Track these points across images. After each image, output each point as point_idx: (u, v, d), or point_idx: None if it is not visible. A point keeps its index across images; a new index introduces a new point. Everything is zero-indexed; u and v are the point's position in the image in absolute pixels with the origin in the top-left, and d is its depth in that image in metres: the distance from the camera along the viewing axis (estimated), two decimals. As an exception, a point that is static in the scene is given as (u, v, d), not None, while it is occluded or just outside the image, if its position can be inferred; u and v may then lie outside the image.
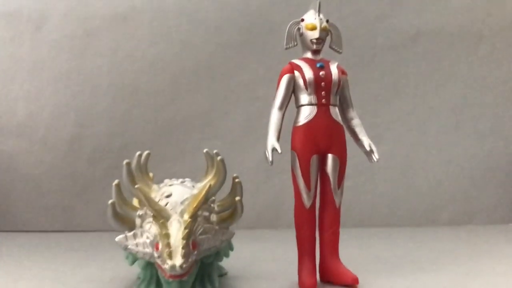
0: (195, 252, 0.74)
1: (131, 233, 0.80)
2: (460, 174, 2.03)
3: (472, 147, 2.04)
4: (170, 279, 0.73)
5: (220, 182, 0.84)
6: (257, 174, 1.95)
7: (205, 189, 0.78)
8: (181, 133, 2.00)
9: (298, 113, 0.95)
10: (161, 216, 0.75)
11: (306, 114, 0.93)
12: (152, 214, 0.76)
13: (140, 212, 0.82)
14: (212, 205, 0.86)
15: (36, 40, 2.02)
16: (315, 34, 0.95)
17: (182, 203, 0.80)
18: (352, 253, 1.20)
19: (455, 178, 2.02)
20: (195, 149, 1.88)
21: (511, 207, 2.01)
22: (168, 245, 0.71)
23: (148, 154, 0.93)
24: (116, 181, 0.81)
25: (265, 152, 0.90)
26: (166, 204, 0.80)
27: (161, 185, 0.90)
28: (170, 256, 0.71)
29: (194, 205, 0.76)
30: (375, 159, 0.96)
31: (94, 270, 1.09)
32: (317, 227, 0.96)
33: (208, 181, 0.86)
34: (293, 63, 0.96)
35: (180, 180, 0.92)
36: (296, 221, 0.94)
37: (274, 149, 0.89)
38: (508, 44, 2.07)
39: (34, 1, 2.02)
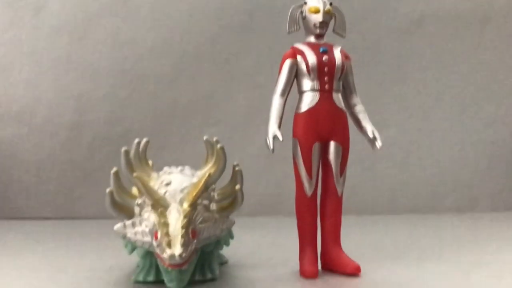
0: (195, 241, 0.73)
1: (130, 221, 0.79)
2: (464, 161, 2.01)
3: (476, 133, 2.03)
4: (170, 268, 0.72)
5: (220, 170, 0.83)
6: (258, 162, 1.94)
7: (205, 178, 0.77)
8: (182, 119, 1.99)
9: (300, 99, 0.93)
10: (160, 205, 0.74)
11: (308, 100, 0.92)
12: (151, 202, 0.75)
13: (139, 201, 0.81)
14: (212, 193, 0.85)
15: (35, 24, 1.99)
16: (318, 18, 0.93)
17: (181, 191, 0.79)
18: (354, 241, 1.20)
19: (459, 164, 2.01)
20: (196, 136, 1.87)
21: (515, 194, 2.00)
22: (167, 234, 0.70)
23: (147, 142, 0.92)
24: (114, 169, 0.80)
25: (266, 140, 0.89)
26: (165, 193, 0.79)
27: (160, 173, 0.89)
28: (169, 245, 0.70)
29: (194, 194, 0.75)
30: (378, 147, 0.94)
31: (93, 258, 1.09)
32: (319, 215, 0.95)
33: (208, 169, 0.85)
34: (296, 47, 0.94)
35: (180, 168, 0.90)
36: (298, 209, 0.93)
37: (275, 137, 0.88)
38: (514, 28, 2.04)
39: (33, -15, 2.00)
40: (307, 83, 0.92)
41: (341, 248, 0.94)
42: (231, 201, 0.84)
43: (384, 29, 2.03)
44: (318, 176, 0.93)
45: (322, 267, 0.94)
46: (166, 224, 0.71)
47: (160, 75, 2.00)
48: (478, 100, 2.04)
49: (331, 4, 0.95)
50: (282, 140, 0.88)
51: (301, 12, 0.95)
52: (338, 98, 0.93)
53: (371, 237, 1.35)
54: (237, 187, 0.83)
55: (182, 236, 0.70)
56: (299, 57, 0.93)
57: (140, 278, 0.85)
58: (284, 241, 1.19)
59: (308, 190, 0.91)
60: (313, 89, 0.92)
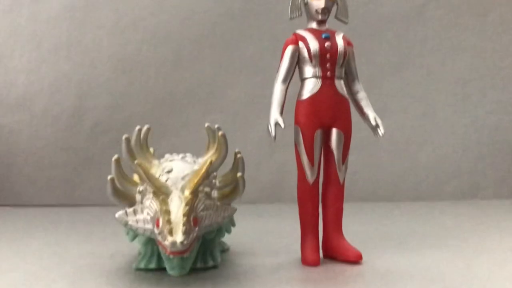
0: (196, 229, 0.73)
1: (131, 209, 0.78)
2: (467, 148, 2.01)
3: (479, 119, 2.02)
4: (171, 256, 0.72)
5: (222, 158, 0.83)
6: (260, 149, 1.94)
7: (206, 165, 0.76)
8: (183, 106, 1.98)
9: (302, 86, 0.93)
10: (161, 192, 0.74)
11: (310, 87, 0.91)
12: (152, 190, 0.75)
13: (140, 188, 0.81)
14: (213, 181, 0.84)
15: (35, 10, 1.98)
16: (320, 4, 0.92)
17: (183, 178, 0.79)
18: (356, 229, 1.20)
19: (461, 151, 2.01)
20: (197, 123, 1.86)
21: (517, 181, 2.00)
22: (168, 221, 0.70)
23: (148, 129, 0.91)
24: (115, 156, 0.79)
25: (268, 127, 0.88)
26: (167, 180, 0.79)
27: (162, 160, 0.89)
28: (170, 232, 0.69)
29: (195, 181, 0.74)
30: (380, 134, 0.94)
31: (95, 246, 1.09)
32: (321, 202, 0.94)
33: (209, 156, 0.84)
34: (298, 34, 0.93)
35: (181, 155, 0.90)
36: (299, 196, 0.93)
37: (277, 124, 0.87)
38: (518, 15, 2.03)
39: (32, -30, 1.98)
40: (309, 70, 0.92)
41: (342, 236, 0.94)
42: (233, 189, 0.84)
43: (387, 15, 2.01)
44: (320, 163, 0.93)
45: (324, 254, 0.94)
46: (167, 212, 0.71)
47: (161, 61, 1.99)
48: (481, 87, 2.03)
49: (333, -10, 0.94)
50: (284, 127, 0.87)
51: (303, -2, 0.94)
52: (340, 84, 0.93)
53: (372, 224, 1.35)
54: (239, 174, 0.83)
55: (183, 224, 0.70)
56: (301, 44, 0.92)
57: (142, 265, 0.85)
58: (286, 229, 1.19)
59: (310, 178, 0.91)
60: (315, 76, 0.91)
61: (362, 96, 0.97)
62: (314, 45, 0.90)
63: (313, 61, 0.91)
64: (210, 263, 0.86)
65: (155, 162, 0.89)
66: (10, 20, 1.98)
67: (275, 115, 0.88)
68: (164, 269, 0.76)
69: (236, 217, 0.94)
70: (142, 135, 0.89)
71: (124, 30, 1.98)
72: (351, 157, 0.98)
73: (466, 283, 0.76)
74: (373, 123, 0.94)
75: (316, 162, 0.91)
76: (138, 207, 0.78)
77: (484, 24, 2.03)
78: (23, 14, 1.97)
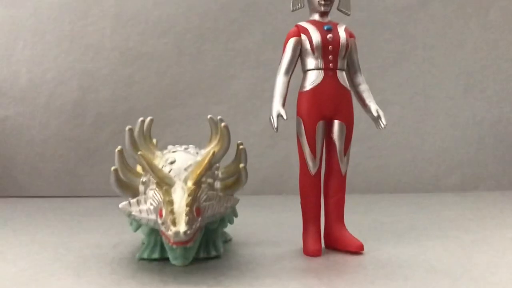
0: (199, 219, 0.74)
1: (135, 199, 0.79)
2: (468, 140, 2.01)
3: (480, 112, 2.02)
4: (174, 246, 0.72)
5: (224, 149, 0.83)
6: (262, 140, 1.94)
7: (209, 156, 0.77)
8: (185, 98, 1.99)
9: (304, 78, 0.93)
10: (164, 183, 0.74)
11: (312, 79, 0.91)
12: (155, 181, 0.75)
13: (143, 179, 0.82)
14: (216, 172, 0.85)
15: (38, 3, 1.98)
16: (323, -5, 0.92)
17: (186, 169, 0.79)
18: (358, 220, 1.20)
19: (463, 143, 2.01)
20: (200, 115, 1.87)
21: (518, 173, 2.00)
22: (172, 212, 0.70)
23: (151, 120, 0.92)
24: (118, 147, 0.80)
25: (270, 118, 0.89)
26: (170, 171, 0.79)
27: (165, 151, 0.89)
28: (174, 223, 0.70)
29: (198, 172, 0.75)
30: (382, 125, 0.94)
31: (98, 236, 1.10)
32: (323, 193, 0.95)
33: (212, 147, 0.85)
34: (300, 25, 0.93)
35: (184, 146, 0.91)
36: (301, 187, 0.94)
37: (279, 115, 0.88)
38: (521, 7, 2.02)
39: (35, -38, 1.98)
40: (311, 62, 0.92)
41: (344, 226, 0.94)
42: (235, 180, 0.85)
43: (389, 7, 2.01)
44: (322, 154, 0.93)
45: (326, 245, 0.95)
46: (171, 202, 0.71)
47: (163, 53, 1.99)
48: (483, 79, 2.03)
49: (336, -19, 0.94)
50: (286, 119, 0.88)
51: (306, -10, 0.94)
52: (342, 76, 0.93)
53: (374, 215, 1.36)
54: (241, 165, 0.83)
55: (186, 214, 0.70)
56: (303, 35, 0.92)
57: (145, 255, 0.86)
58: (288, 220, 1.20)
59: (312, 169, 0.92)
60: (317, 68, 0.91)
61: (364, 88, 0.97)
62: (316, 37, 0.91)
63: (316, 53, 0.91)
64: (213, 253, 0.87)
65: (158, 153, 0.89)
66: (13, 13, 1.98)
67: (277, 106, 0.88)
68: (167, 259, 0.77)
69: (238, 207, 0.95)
70: (145, 126, 0.90)
71: (126, 22, 1.98)
72: (353, 149, 0.98)
73: (467, 273, 0.77)
74: (375, 114, 0.94)
75: (318, 153, 0.91)
76: (141, 197, 0.79)
77: (487, 17, 2.02)
78: (26, 7, 1.97)
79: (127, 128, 0.83)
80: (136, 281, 0.74)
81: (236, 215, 1.00)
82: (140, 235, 0.92)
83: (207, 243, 0.88)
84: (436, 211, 1.43)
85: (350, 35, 0.94)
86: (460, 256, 0.88)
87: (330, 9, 0.94)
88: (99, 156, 1.92)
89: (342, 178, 0.94)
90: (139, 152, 0.79)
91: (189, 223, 0.70)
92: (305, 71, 0.93)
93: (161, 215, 0.72)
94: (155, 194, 0.76)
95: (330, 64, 0.91)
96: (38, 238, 1.09)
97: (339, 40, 0.91)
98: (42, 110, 1.96)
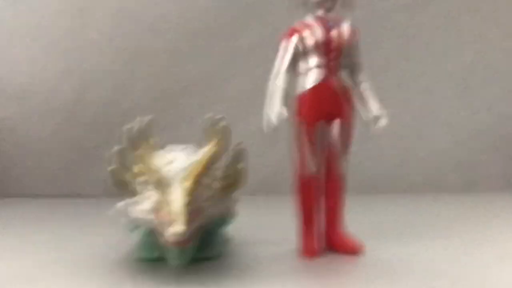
0: (197, 219, 0.73)
1: (133, 200, 0.79)
2: (468, 140, 2.00)
3: (480, 112, 2.02)
4: (172, 246, 0.72)
5: (223, 149, 0.83)
6: (261, 140, 1.93)
7: (208, 156, 0.77)
8: (184, 97, 1.98)
9: (305, 76, 0.91)
10: (162, 183, 0.74)
11: (314, 77, 0.90)
12: (153, 181, 0.75)
13: (141, 179, 0.81)
14: (214, 172, 0.84)
15: (36, 2, 1.97)
16: (326, -8, 0.91)
17: (184, 170, 0.79)
18: (357, 220, 1.20)
19: (462, 143, 2.00)
20: (198, 114, 1.85)
21: (518, 174, 2.00)
22: (169, 212, 0.70)
23: (150, 120, 0.91)
24: (116, 148, 0.79)
25: (270, 117, 0.88)
26: (168, 171, 0.79)
27: (163, 151, 0.89)
28: (172, 223, 0.70)
29: (196, 172, 0.75)
30: (383, 124, 0.94)
31: (96, 237, 1.09)
32: (322, 194, 0.94)
33: (210, 147, 0.84)
34: (303, 22, 0.92)
35: (182, 146, 0.90)
36: (300, 188, 0.93)
37: (279, 114, 0.87)
38: (521, 7, 2.02)
39: (33, -40, 1.97)
40: (313, 59, 0.90)
41: (343, 227, 0.94)
42: (234, 180, 0.84)
43: (392, 5, 2.00)
44: (322, 154, 0.93)
45: (325, 246, 0.95)
46: (168, 202, 0.71)
47: (161, 53, 1.98)
48: (483, 79, 2.02)
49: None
50: (286, 118, 0.87)
51: (309, -14, 0.93)
52: (344, 75, 0.92)
53: (373, 216, 1.35)
54: (240, 165, 0.83)
55: (184, 215, 0.70)
56: (305, 33, 0.90)
57: (143, 256, 0.86)
58: (286, 220, 1.19)
59: (311, 169, 0.91)
60: (319, 66, 0.90)
61: (365, 86, 0.95)
62: (318, 34, 0.89)
63: (317, 51, 0.90)
64: (211, 253, 0.87)
65: (156, 153, 0.89)
66: (11, 11, 1.97)
67: (277, 105, 0.88)
68: (166, 259, 0.77)
69: (237, 208, 0.95)
70: (143, 126, 0.89)
71: (125, 22, 1.98)
72: (352, 149, 0.98)
73: (466, 273, 0.76)
74: (376, 114, 0.93)
75: (317, 153, 0.91)
76: (139, 198, 0.78)
77: (488, 17, 2.02)
78: (24, 5, 1.97)
79: (125, 128, 0.82)
80: (133, 281, 0.74)
81: (234, 216, 0.99)
82: (138, 236, 0.92)
83: (206, 243, 0.87)
84: (435, 211, 1.43)
85: (353, 32, 0.93)
86: (459, 256, 0.88)
87: (334, 6, 0.92)
88: (97, 156, 1.91)
89: (341, 178, 0.94)
90: (137, 152, 0.78)
91: (187, 223, 0.70)
92: (306, 69, 0.92)
93: (159, 216, 0.72)
94: (153, 194, 0.75)
95: (332, 62, 0.90)
96: (35, 238, 1.08)
97: (342, 37, 0.90)
98: (40, 110, 1.95)
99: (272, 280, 0.73)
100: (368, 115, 0.94)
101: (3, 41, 1.97)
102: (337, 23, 0.91)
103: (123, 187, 0.80)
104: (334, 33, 0.89)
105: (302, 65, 0.92)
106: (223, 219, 0.91)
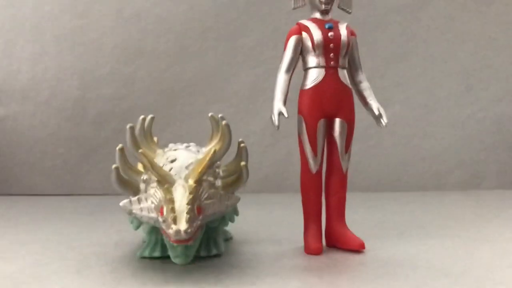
0: (200, 217, 0.74)
1: (136, 198, 0.79)
2: (469, 138, 2.01)
3: (482, 110, 2.02)
4: (175, 244, 0.72)
5: (225, 147, 0.83)
6: (264, 138, 1.94)
7: (210, 154, 0.77)
8: (186, 96, 1.99)
9: (305, 76, 0.93)
10: (165, 181, 0.74)
11: (313, 77, 0.91)
12: (156, 179, 0.75)
13: (144, 177, 0.81)
14: (217, 170, 0.85)
15: (39, 1, 1.98)
16: (324, -7, 0.92)
17: (186, 168, 0.79)
18: (359, 218, 1.20)
19: (464, 142, 2.01)
20: (201, 113, 1.87)
21: (519, 172, 1.99)
22: (172, 210, 0.70)
23: (152, 118, 0.92)
24: (119, 146, 0.80)
25: (271, 116, 0.89)
26: (171, 169, 0.79)
27: (166, 149, 0.89)
28: (174, 221, 0.70)
29: (199, 170, 0.75)
30: (383, 124, 0.94)
31: (99, 234, 1.10)
32: (324, 192, 0.95)
33: (213, 146, 0.85)
34: (301, 23, 0.93)
35: (185, 144, 0.91)
36: (302, 186, 0.94)
37: (280, 113, 0.88)
38: (522, 5, 2.01)
39: (35, -41, 1.98)
40: (312, 60, 0.92)
41: (345, 225, 0.94)
42: (236, 178, 0.84)
43: (390, 4, 2.01)
44: (323, 153, 0.93)
45: (327, 243, 0.95)
46: (171, 201, 0.71)
47: (164, 51, 1.98)
48: (484, 78, 2.02)
49: (337, -21, 0.94)
50: (288, 117, 0.88)
51: (307, -12, 0.94)
52: (343, 74, 0.93)
53: (375, 214, 1.36)
54: (242, 163, 0.83)
55: (187, 212, 0.70)
56: (304, 34, 0.92)
57: (146, 253, 0.86)
58: (289, 218, 1.20)
59: (313, 167, 0.92)
60: (318, 66, 0.91)
61: (365, 86, 0.97)
62: (317, 35, 0.90)
63: (317, 51, 0.91)
64: (214, 251, 0.87)
65: (159, 151, 0.89)
66: (14, 11, 1.98)
67: (278, 104, 0.88)
68: (168, 257, 0.77)
69: (239, 206, 0.95)
70: (146, 125, 0.90)
71: (127, 21, 1.98)
72: (354, 147, 0.98)
73: (468, 272, 0.77)
74: (376, 113, 0.94)
75: (319, 151, 0.91)
76: (142, 196, 0.78)
77: (488, 15, 2.02)
78: (27, 5, 1.97)
79: (128, 126, 0.82)
80: (137, 279, 0.74)
81: (237, 214, 1.00)
82: (141, 233, 0.92)
83: (208, 241, 0.88)
84: (437, 210, 1.43)
85: (351, 33, 0.94)
86: (461, 255, 0.88)
87: (331, 7, 0.94)
88: (100, 154, 1.93)
89: (343, 176, 0.94)
90: (140, 150, 0.78)
91: (190, 221, 0.70)
92: (306, 69, 0.93)
93: (162, 213, 0.72)
94: (156, 192, 0.76)
95: (331, 62, 0.91)
96: (38, 236, 1.09)
97: (340, 38, 0.91)
98: (43, 108, 1.96)
99: (275, 278, 0.74)
100: (370, 113, 0.96)
101: (4, 40, 1.97)
102: (335, 24, 0.92)
103: (126, 185, 0.80)
104: (332, 34, 0.90)
105: (303, 65, 0.93)
106: (226, 217, 0.91)
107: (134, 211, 0.78)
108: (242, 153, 0.86)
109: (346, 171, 0.94)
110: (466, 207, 1.49)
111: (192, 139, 1.00)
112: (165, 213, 0.71)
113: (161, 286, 0.70)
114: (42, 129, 1.95)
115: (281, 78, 0.91)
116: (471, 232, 1.09)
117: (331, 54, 0.91)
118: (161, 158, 0.84)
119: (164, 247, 0.84)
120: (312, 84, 0.91)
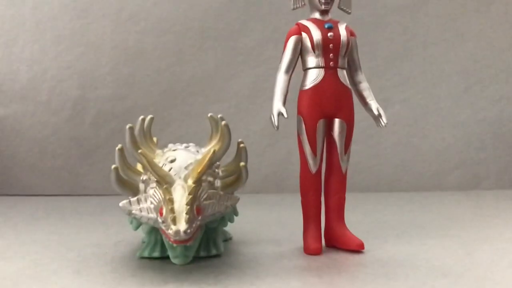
0: (199, 218, 0.74)
1: (135, 198, 0.79)
2: (469, 138, 2.01)
3: (481, 110, 2.02)
4: (175, 244, 0.72)
5: (225, 147, 0.83)
6: (263, 138, 1.94)
7: (210, 154, 0.77)
8: (186, 96, 1.99)
9: (305, 76, 0.93)
10: (165, 182, 0.74)
11: (313, 77, 0.91)
12: (156, 179, 0.75)
13: (144, 177, 0.81)
14: (216, 170, 0.84)
15: (39, 1, 1.98)
16: (324, -7, 0.91)
17: (186, 168, 0.79)
18: (358, 219, 1.20)
19: (463, 142, 2.01)
20: (200, 113, 1.86)
21: (519, 172, 2.00)
22: (172, 210, 0.70)
23: (152, 119, 0.92)
24: (119, 146, 0.80)
25: (270, 117, 0.89)
26: (170, 169, 0.79)
27: (165, 150, 0.89)
28: (174, 221, 0.70)
29: (198, 170, 0.75)
30: (383, 124, 0.94)
31: (99, 235, 1.10)
32: (323, 192, 0.95)
33: (212, 146, 0.85)
34: (301, 24, 0.93)
35: (184, 145, 0.91)
36: (302, 186, 0.94)
37: (280, 113, 0.88)
38: (522, 5, 2.01)
39: (35, -40, 1.98)
40: (312, 60, 0.92)
41: (345, 225, 0.94)
42: (236, 178, 0.84)
43: (390, 5, 2.01)
44: (323, 153, 0.93)
45: (326, 243, 0.95)
46: (171, 201, 0.71)
47: (163, 52, 1.98)
48: (483, 78, 2.02)
49: (336, -21, 0.94)
50: (287, 117, 0.88)
51: (306, -12, 0.94)
52: (343, 74, 0.93)
53: (374, 214, 1.36)
54: (242, 164, 0.83)
55: (187, 213, 0.70)
56: (304, 34, 0.92)
57: (146, 254, 0.86)
58: (288, 218, 1.20)
59: (313, 167, 0.92)
60: (318, 66, 0.91)
61: (364, 86, 0.97)
62: (317, 35, 0.90)
63: (316, 51, 0.91)
64: (213, 251, 0.87)
65: (159, 151, 0.89)
66: (13, 11, 1.98)
67: (278, 105, 0.88)
68: (168, 257, 0.77)
69: (239, 206, 0.95)
70: (145, 125, 0.90)
71: (126, 21, 1.98)
72: (353, 148, 0.98)
73: (467, 272, 0.77)
74: (376, 113, 0.94)
75: (318, 152, 0.91)
76: (141, 196, 0.78)
77: (487, 15, 2.02)
78: (27, 5, 1.97)
79: (127, 127, 0.82)
80: (136, 279, 0.74)
81: (236, 214, 1.00)
82: (141, 234, 0.92)
83: (208, 241, 0.88)
84: (437, 210, 1.43)
85: (351, 33, 0.94)
86: (460, 255, 0.88)
87: (331, 7, 0.94)
88: (99, 154, 1.92)
89: (343, 177, 0.94)
90: (139, 151, 0.78)
91: (189, 221, 0.70)
92: (305, 69, 0.93)
93: (161, 214, 0.72)
94: (156, 192, 0.76)
95: (331, 63, 0.91)
96: (38, 236, 1.09)
97: (340, 38, 0.91)
98: (42, 109, 1.96)
99: (274, 279, 0.74)
100: (370, 113, 0.96)
101: (5, 41, 1.97)
102: (334, 24, 0.92)
103: (125, 186, 0.80)
104: (331, 34, 0.90)
105: (302, 65, 0.94)
106: (225, 217, 0.91)
107: (133, 211, 0.78)
108: (241, 153, 0.86)
109: (346, 171, 0.94)
110: (465, 207, 1.49)
111: (192, 139, 1.00)
112: (164, 213, 0.71)
113: (160, 286, 0.70)
114: (42, 129, 1.95)
115: (281, 78, 0.92)
116: (471, 232, 1.09)
117: (331, 55, 0.91)
118: (161, 159, 0.84)
119: (163, 248, 0.84)
120: (312, 85, 0.91)
